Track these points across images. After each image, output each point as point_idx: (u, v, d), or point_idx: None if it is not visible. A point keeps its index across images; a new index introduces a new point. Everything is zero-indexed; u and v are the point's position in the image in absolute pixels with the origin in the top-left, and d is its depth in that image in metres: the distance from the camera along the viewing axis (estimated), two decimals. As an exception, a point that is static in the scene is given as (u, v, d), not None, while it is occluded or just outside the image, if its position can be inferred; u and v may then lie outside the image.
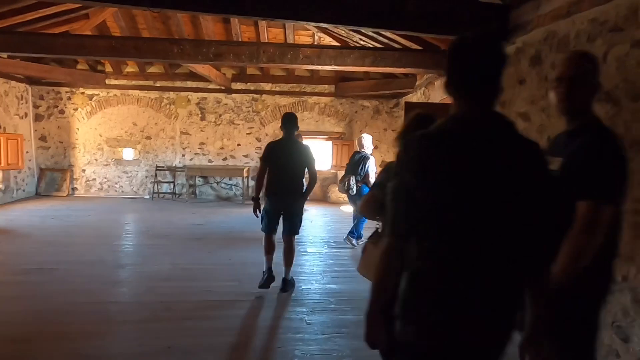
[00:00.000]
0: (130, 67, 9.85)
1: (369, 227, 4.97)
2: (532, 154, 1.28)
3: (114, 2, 3.93)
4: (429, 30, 4.15)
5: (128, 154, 10.35)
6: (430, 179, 1.23)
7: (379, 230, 2.26)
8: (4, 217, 7.41)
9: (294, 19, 3.97)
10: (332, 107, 10.34)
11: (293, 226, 4.13)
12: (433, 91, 7.61)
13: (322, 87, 10.20)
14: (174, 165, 10.29)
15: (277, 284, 4.18)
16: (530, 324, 1.35)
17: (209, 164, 10.32)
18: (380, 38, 6.68)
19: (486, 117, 1.28)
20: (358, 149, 6.13)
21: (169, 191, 10.22)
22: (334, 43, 8.18)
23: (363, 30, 6.32)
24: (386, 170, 2.16)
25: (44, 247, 5.61)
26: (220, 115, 10.25)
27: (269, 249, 4.17)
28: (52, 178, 10.12)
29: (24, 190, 9.65)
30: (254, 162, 10.24)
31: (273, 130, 10.17)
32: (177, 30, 7.82)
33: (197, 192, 10.36)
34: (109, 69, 9.82)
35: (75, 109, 10.07)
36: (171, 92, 10.13)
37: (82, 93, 10.04)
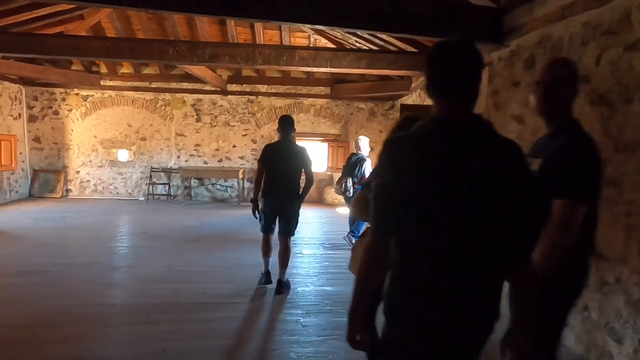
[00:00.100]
0: (125, 68, 9.82)
1: (365, 229, 4.97)
2: (511, 153, 1.32)
3: (109, 2, 3.91)
4: (425, 33, 4.17)
5: (123, 155, 10.30)
6: (410, 179, 1.25)
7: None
8: (-3, 219, 7.35)
9: (291, 20, 3.98)
10: (327, 109, 10.35)
11: (289, 227, 4.17)
12: (428, 93, 7.63)
13: (317, 89, 10.21)
14: (169, 166, 10.25)
15: (272, 286, 4.21)
16: (511, 320, 1.39)
17: (205, 165, 10.30)
18: (376, 40, 6.71)
19: (464, 118, 1.31)
20: (355, 151, 6.15)
21: (164, 193, 10.18)
22: (330, 45, 8.19)
23: (359, 33, 6.33)
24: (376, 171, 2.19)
25: (37, 249, 5.56)
26: (215, 117, 10.24)
27: (266, 250, 4.24)
28: (46, 179, 10.05)
29: (17, 192, 9.57)
30: (250, 164, 10.23)
31: (269, 132, 10.16)
32: (173, 32, 7.81)
33: (192, 193, 10.33)
34: (103, 70, 9.78)
35: (70, 110, 10.02)
36: (166, 94, 10.10)
37: (77, 94, 9.99)
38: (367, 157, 6.06)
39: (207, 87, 9.94)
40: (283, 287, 4.16)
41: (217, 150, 10.32)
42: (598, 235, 2.47)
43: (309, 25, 4.46)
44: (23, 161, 9.72)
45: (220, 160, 10.34)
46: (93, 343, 3.08)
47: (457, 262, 1.27)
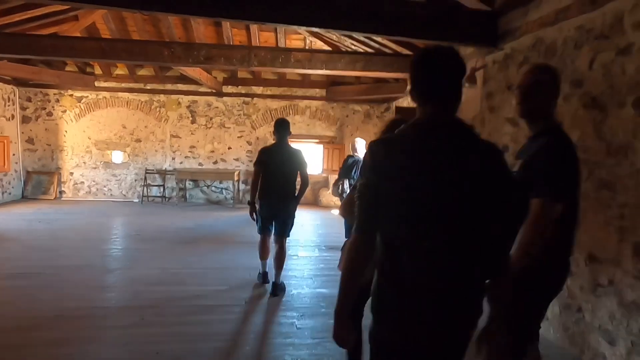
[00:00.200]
0: (120, 70, 9.77)
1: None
2: (491, 154, 1.37)
3: (104, 3, 3.89)
4: (421, 36, 4.19)
5: (117, 157, 10.24)
6: (394, 179, 1.30)
7: None
8: (-11, 221, 7.29)
9: (287, 23, 3.98)
10: (323, 111, 10.36)
11: (284, 228, 4.20)
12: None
13: (313, 91, 10.21)
14: (163, 168, 10.21)
15: (267, 287, 4.23)
16: (489, 317, 1.43)
17: (200, 167, 10.26)
18: (372, 43, 6.72)
19: (447, 121, 1.36)
20: (351, 153, 6.15)
21: (158, 195, 10.14)
22: (325, 47, 8.20)
23: (354, 35, 6.35)
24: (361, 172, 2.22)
25: (30, 251, 5.52)
26: (211, 119, 10.21)
27: (263, 253, 4.34)
28: (39, 181, 9.97)
29: (9, 194, 9.49)
30: (245, 166, 10.20)
31: (264, 134, 10.15)
32: (168, 33, 7.78)
33: (187, 195, 10.29)
34: (98, 71, 9.73)
35: (64, 111, 9.95)
36: (161, 95, 10.06)
37: (71, 95, 9.93)
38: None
39: (202, 89, 9.92)
40: (278, 289, 4.16)
41: (212, 152, 10.29)
42: (591, 237, 2.49)
43: (304, 28, 4.46)
44: (16, 163, 9.64)
45: (215, 162, 10.31)
46: (86, 346, 3.06)
47: (442, 261, 1.31)
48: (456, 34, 4.13)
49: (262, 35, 8.20)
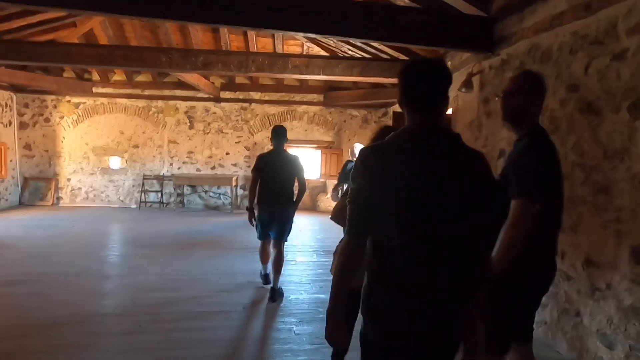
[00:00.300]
0: (118, 76, 9.78)
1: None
2: (476, 160, 1.42)
3: (102, 10, 3.90)
4: (418, 41, 4.22)
5: (115, 162, 10.22)
6: (384, 184, 1.35)
7: None
8: (-15, 228, 7.25)
9: (284, 29, 4.00)
10: (321, 116, 10.38)
11: (282, 233, 4.24)
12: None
13: (311, 96, 10.24)
14: (161, 174, 10.19)
15: (265, 292, 4.20)
16: (471, 334, 1.44)
17: (197, 172, 10.26)
18: (369, 48, 6.76)
19: (434, 129, 1.41)
20: (350, 158, 6.16)
21: (156, 200, 10.11)
22: (323, 53, 8.24)
23: (351, 41, 6.38)
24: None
25: (27, 258, 5.49)
26: (208, 124, 10.22)
27: (264, 257, 4.39)
28: (36, 187, 9.94)
29: (7, 200, 9.45)
30: (243, 171, 10.20)
31: (262, 139, 10.16)
32: (166, 39, 7.81)
33: (185, 201, 10.27)
34: (96, 77, 9.74)
35: (61, 117, 9.94)
36: (159, 101, 10.07)
37: (68, 101, 9.93)
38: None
39: (200, 95, 9.93)
40: (276, 294, 4.16)
41: (210, 157, 10.28)
42: (588, 241, 2.50)
43: (302, 34, 4.48)
44: (13, 169, 9.61)
45: (213, 168, 10.31)
46: (83, 353, 3.04)
47: (433, 263, 1.36)
48: (453, 39, 4.16)
49: (260, 41, 8.24)
